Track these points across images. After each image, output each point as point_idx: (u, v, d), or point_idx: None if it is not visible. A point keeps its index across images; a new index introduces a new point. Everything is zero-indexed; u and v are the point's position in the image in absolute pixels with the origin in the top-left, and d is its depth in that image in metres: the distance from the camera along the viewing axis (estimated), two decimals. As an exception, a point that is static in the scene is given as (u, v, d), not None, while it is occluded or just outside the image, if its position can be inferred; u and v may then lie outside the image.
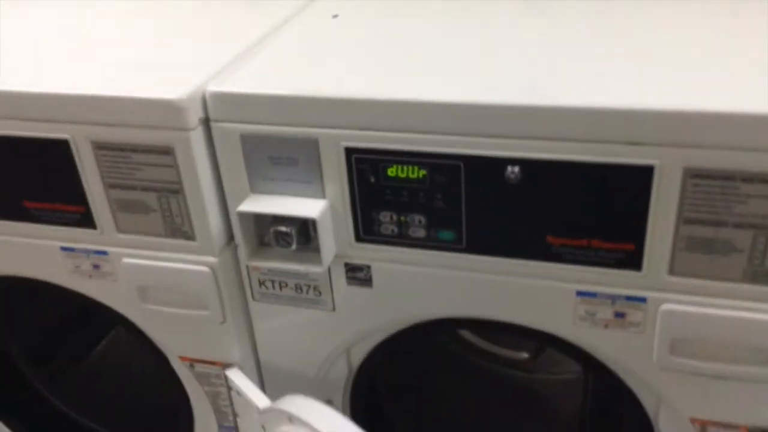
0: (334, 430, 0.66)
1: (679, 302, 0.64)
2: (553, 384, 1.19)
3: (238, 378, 0.81)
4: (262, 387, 0.86)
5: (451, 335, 1.20)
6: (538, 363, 1.21)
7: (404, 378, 1.06)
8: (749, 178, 0.57)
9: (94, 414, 1.07)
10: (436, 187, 0.66)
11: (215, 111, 0.69)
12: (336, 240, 0.72)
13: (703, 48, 0.68)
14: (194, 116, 0.68)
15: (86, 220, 0.77)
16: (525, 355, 1.22)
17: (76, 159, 0.73)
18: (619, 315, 0.67)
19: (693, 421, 0.71)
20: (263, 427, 0.75)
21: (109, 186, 0.74)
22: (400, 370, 1.01)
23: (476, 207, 0.66)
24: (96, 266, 0.80)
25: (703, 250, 0.61)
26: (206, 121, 0.70)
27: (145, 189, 0.73)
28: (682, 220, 0.61)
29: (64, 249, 0.80)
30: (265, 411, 0.75)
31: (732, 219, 0.59)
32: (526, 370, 1.21)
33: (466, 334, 1.23)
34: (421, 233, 0.70)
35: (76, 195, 0.76)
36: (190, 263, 0.76)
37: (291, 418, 0.70)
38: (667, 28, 0.73)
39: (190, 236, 0.75)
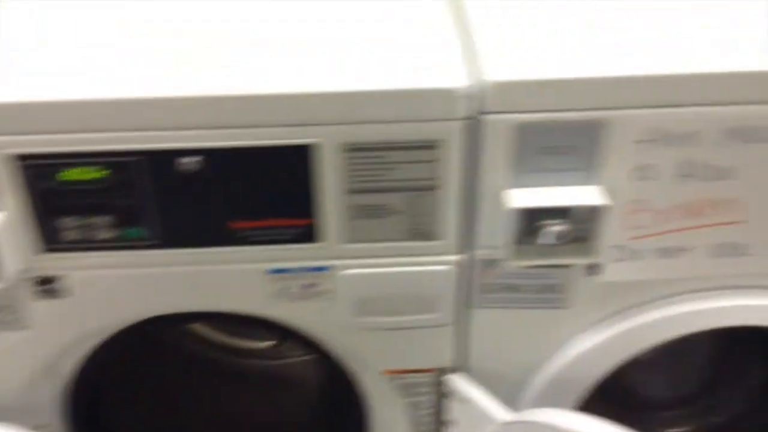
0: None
1: (358, 266, 0.72)
2: (295, 367, 1.24)
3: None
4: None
5: (185, 334, 1.20)
6: (286, 349, 1.25)
7: (133, 385, 1.03)
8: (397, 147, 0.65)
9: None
10: (118, 185, 0.66)
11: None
12: (19, 253, 0.69)
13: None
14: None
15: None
16: (269, 343, 1.25)
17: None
18: (309, 286, 0.73)
19: (388, 372, 0.79)
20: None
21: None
22: (127, 377, 0.98)
23: (158, 201, 0.67)
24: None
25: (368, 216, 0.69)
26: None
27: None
28: (347, 190, 0.67)
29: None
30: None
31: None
32: (274, 357, 1.24)
33: (204, 330, 1.23)
34: (109, 234, 0.69)
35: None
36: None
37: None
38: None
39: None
